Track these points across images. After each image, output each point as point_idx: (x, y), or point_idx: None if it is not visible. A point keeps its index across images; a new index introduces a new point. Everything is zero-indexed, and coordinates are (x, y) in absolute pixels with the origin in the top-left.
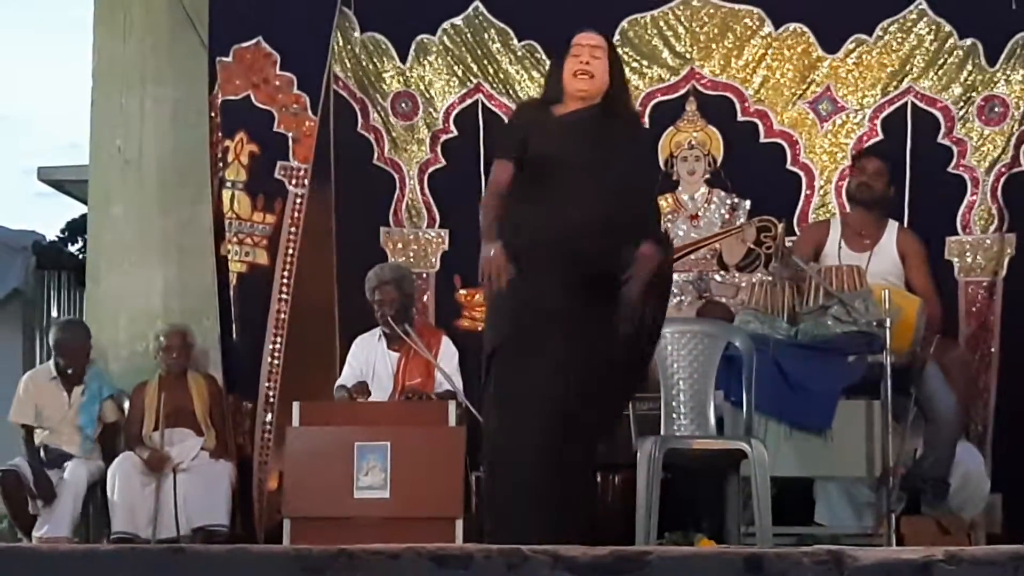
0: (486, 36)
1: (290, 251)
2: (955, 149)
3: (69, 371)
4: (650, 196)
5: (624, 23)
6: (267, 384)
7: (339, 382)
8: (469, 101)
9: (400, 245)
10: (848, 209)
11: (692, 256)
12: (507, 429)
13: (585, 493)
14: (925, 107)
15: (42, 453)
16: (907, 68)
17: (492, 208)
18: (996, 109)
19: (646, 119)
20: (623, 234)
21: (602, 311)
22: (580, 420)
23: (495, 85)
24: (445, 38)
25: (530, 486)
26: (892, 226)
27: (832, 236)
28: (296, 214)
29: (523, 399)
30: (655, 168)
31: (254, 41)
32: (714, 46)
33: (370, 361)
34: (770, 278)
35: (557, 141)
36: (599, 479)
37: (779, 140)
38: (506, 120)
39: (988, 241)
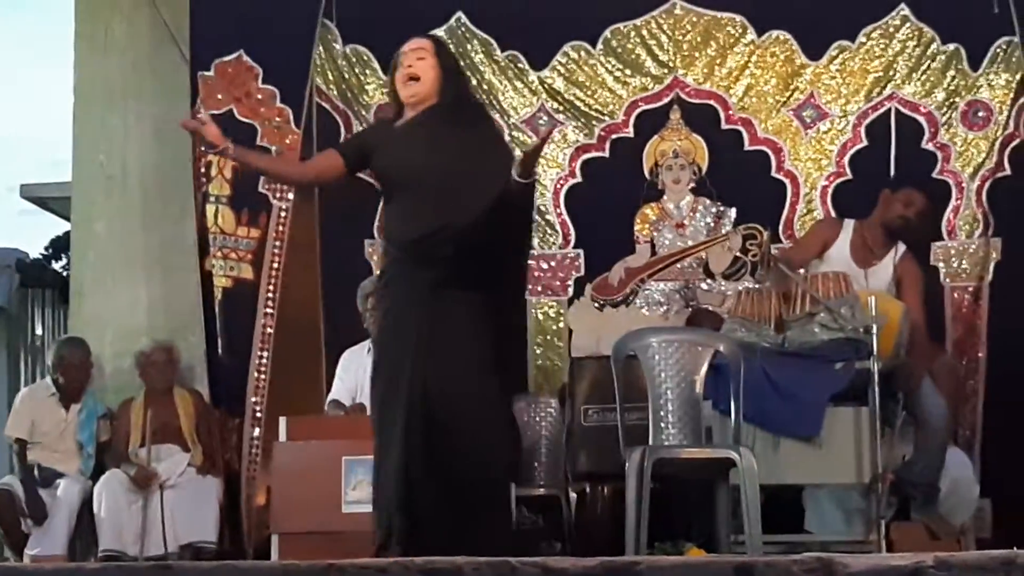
0: (469, 47)
1: (275, 265)
2: (939, 154)
3: (69, 388)
4: (498, 186)
5: (607, 32)
6: (254, 399)
7: (331, 396)
8: None
9: None
10: (866, 225)
11: (678, 265)
12: (377, 434)
13: (480, 505)
14: (909, 113)
15: (36, 472)
16: (890, 74)
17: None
18: (979, 114)
19: (630, 128)
20: (473, 233)
21: (460, 313)
22: (449, 426)
23: (478, 96)
24: None
25: (392, 487)
26: (898, 248)
27: (842, 240)
28: (280, 228)
29: (389, 406)
30: (502, 156)
31: (236, 55)
32: (697, 54)
33: (359, 375)
34: (757, 286)
35: (396, 152)
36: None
37: (764, 148)
38: (364, 130)
39: (974, 246)
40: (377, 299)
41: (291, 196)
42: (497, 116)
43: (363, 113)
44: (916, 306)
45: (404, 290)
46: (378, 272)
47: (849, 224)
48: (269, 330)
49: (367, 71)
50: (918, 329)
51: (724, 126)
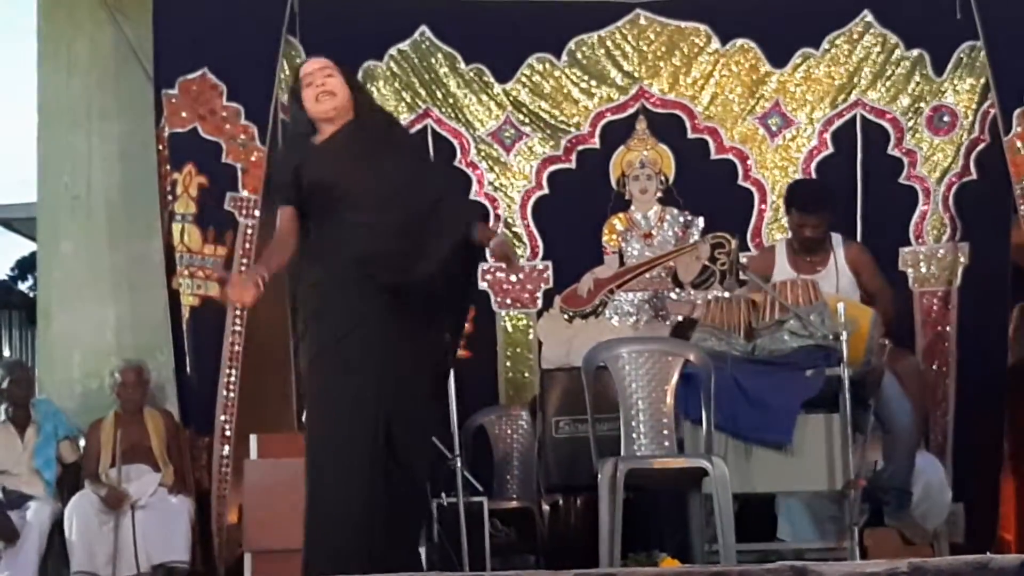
0: (433, 60)
1: None
2: (906, 160)
3: (17, 414)
4: (440, 190)
5: (571, 44)
6: (223, 417)
7: None
8: (419, 126)
9: None
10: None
11: (647, 275)
12: (327, 447)
13: (409, 517)
14: (874, 119)
15: (0, 494)
16: (855, 80)
17: (282, 250)
18: (945, 119)
19: (596, 139)
20: (421, 236)
21: (411, 322)
22: (400, 438)
23: (444, 109)
24: (392, 64)
25: (353, 507)
26: (837, 242)
27: (779, 262)
28: (247, 245)
29: (343, 418)
30: (429, 162)
31: (200, 73)
32: (662, 64)
33: None
34: (725, 294)
35: (330, 166)
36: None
37: (730, 156)
38: (281, 160)
39: (941, 251)
40: (310, 317)
41: (257, 213)
42: (463, 129)
43: None
44: (878, 282)
45: (357, 312)
46: (311, 284)
47: (780, 244)
48: (237, 348)
49: None
50: (887, 299)
51: (690, 135)
